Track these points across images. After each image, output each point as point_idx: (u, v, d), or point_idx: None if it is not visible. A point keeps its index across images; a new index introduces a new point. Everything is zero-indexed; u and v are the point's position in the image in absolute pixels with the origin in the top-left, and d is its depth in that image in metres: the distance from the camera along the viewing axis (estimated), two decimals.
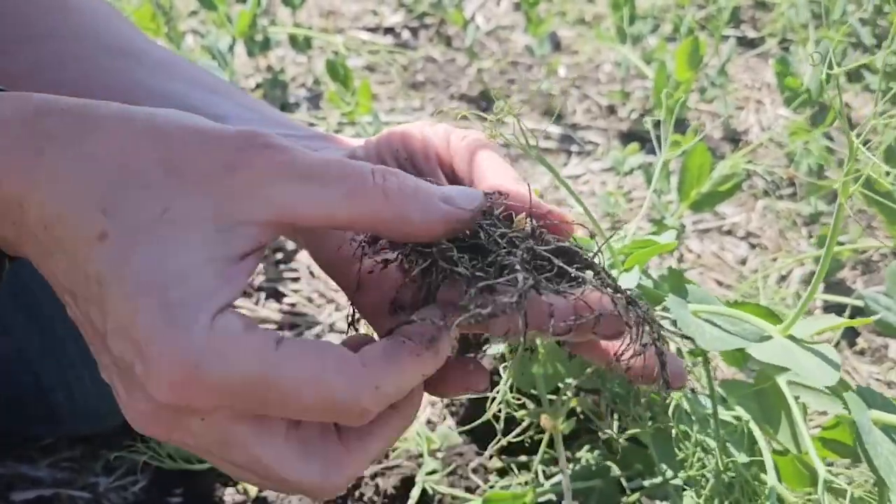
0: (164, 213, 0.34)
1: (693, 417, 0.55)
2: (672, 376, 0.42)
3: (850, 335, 0.97)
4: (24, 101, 0.36)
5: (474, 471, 0.77)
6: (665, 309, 0.51)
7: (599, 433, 0.72)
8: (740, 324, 0.51)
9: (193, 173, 0.35)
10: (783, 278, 1.04)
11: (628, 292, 0.40)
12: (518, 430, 0.68)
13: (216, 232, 0.34)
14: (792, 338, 0.49)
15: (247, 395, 0.33)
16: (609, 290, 0.39)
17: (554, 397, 0.67)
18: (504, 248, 0.39)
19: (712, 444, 0.55)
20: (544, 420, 0.63)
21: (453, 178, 0.49)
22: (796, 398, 0.56)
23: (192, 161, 0.35)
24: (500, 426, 0.65)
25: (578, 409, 0.74)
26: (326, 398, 0.34)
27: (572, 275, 0.39)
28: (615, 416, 0.70)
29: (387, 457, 0.78)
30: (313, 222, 0.36)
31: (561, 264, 0.39)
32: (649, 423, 0.60)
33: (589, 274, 0.40)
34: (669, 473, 0.60)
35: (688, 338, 0.47)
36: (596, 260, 0.41)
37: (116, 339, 0.34)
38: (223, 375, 0.33)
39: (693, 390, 0.62)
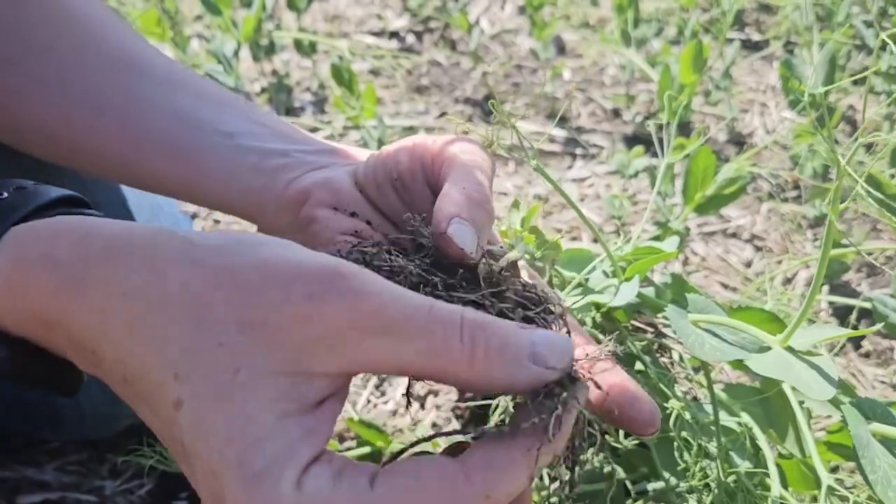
0: (235, 374, 0.32)
1: (696, 425, 0.55)
2: (643, 423, 0.40)
3: (856, 338, 0.97)
4: (84, 241, 0.35)
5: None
6: (666, 318, 0.51)
7: (605, 436, 0.72)
8: (740, 333, 0.52)
9: (267, 325, 0.33)
10: (788, 281, 1.04)
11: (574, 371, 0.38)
12: None
13: (288, 385, 0.32)
14: (790, 349, 0.49)
15: None
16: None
17: None
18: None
19: (715, 451, 0.55)
20: None
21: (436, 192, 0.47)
22: (801, 403, 0.56)
23: (267, 311, 0.33)
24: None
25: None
26: None
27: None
28: None
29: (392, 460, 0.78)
30: (391, 374, 0.34)
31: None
32: None
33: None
34: (674, 481, 0.60)
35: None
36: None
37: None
38: None
39: (695, 398, 0.62)
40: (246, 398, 0.32)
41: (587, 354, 0.41)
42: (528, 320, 0.38)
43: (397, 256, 0.41)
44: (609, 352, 0.42)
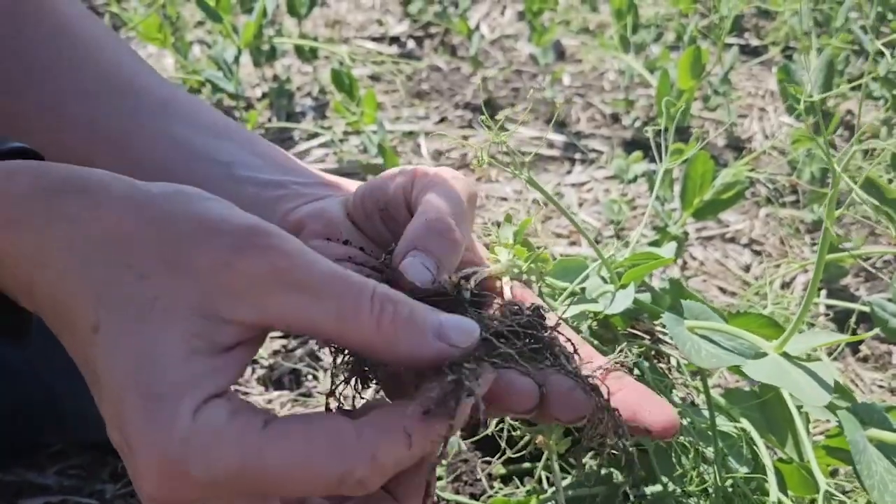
0: (153, 303, 0.34)
1: (693, 430, 0.56)
2: (662, 427, 0.41)
3: (854, 342, 0.97)
4: (42, 175, 0.37)
5: (479, 478, 0.78)
6: (663, 325, 0.51)
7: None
8: (737, 339, 0.52)
9: (189, 267, 0.35)
10: (786, 285, 1.05)
11: (591, 378, 0.39)
12: (520, 443, 0.69)
13: (201, 325, 0.34)
14: (786, 355, 0.49)
15: (234, 486, 0.33)
16: (573, 376, 0.39)
17: None
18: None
19: (712, 456, 0.55)
20: (540, 439, 0.63)
21: None
22: (799, 408, 0.56)
23: (190, 254, 0.35)
24: (503, 437, 0.65)
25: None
26: (317, 477, 0.33)
27: (541, 356, 0.39)
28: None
29: None
30: (300, 332, 0.36)
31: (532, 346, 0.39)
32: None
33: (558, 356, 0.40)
34: (672, 486, 0.61)
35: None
36: (563, 341, 0.41)
37: (112, 430, 0.35)
38: (206, 470, 0.33)
39: (693, 403, 0.62)
40: (160, 328, 0.34)
41: (599, 366, 0.42)
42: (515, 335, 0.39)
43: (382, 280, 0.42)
44: (618, 362, 0.43)
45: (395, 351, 0.36)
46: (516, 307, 0.41)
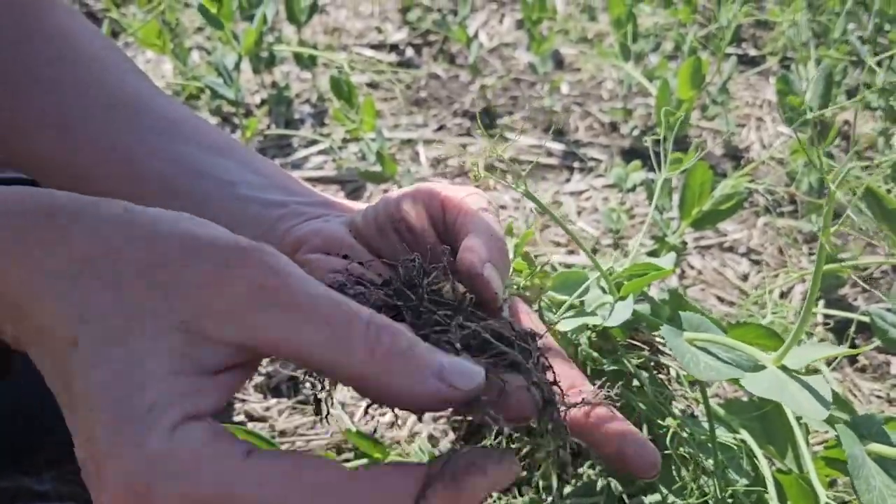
0: (136, 321, 0.33)
1: (693, 442, 0.56)
2: (643, 466, 0.41)
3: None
4: (40, 200, 0.36)
5: None
6: (663, 336, 0.52)
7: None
8: (735, 350, 0.52)
9: (177, 285, 0.33)
10: (784, 295, 1.05)
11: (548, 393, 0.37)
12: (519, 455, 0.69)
13: (186, 343, 0.33)
14: (784, 368, 0.50)
15: None
16: (534, 387, 0.37)
17: None
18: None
19: (711, 467, 0.55)
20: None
21: (445, 238, 0.48)
22: (798, 419, 0.56)
23: (178, 272, 0.34)
24: (502, 445, 0.65)
25: None
26: None
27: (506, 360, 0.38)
28: None
29: None
30: (289, 356, 0.34)
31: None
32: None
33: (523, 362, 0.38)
34: (671, 498, 0.61)
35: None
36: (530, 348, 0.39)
37: (79, 446, 0.33)
38: (176, 494, 0.30)
39: (692, 415, 0.62)
40: (141, 346, 0.32)
41: (581, 394, 0.42)
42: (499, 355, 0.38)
43: (376, 287, 0.42)
44: (605, 395, 0.43)
45: (389, 385, 0.33)
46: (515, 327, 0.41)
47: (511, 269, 0.54)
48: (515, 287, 0.53)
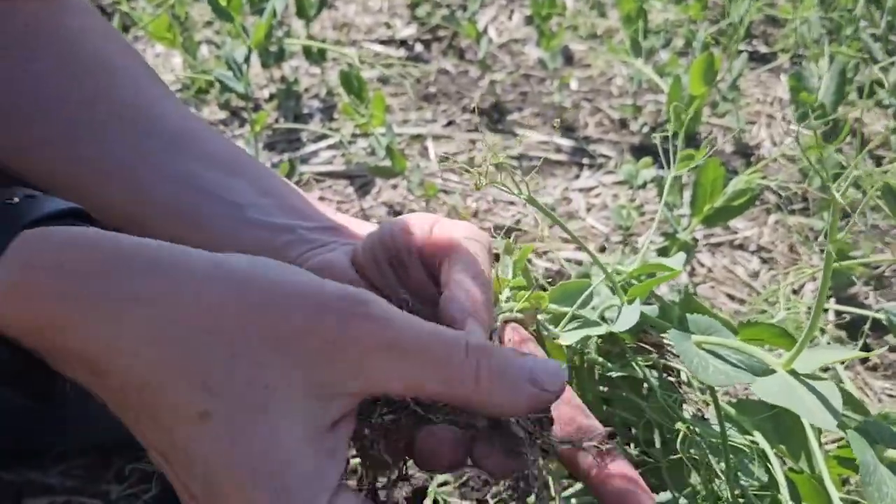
0: (270, 392, 0.34)
1: (704, 444, 0.55)
2: None
3: (863, 350, 0.97)
4: (94, 247, 0.36)
5: (485, 483, 0.77)
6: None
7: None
8: (745, 354, 0.51)
9: (298, 349, 0.35)
10: (795, 293, 1.04)
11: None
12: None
13: (316, 408, 0.35)
14: (794, 373, 0.49)
15: None
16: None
17: None
18: None
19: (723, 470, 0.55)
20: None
21: (430, 273, 0.49)
22: None
23: (297, 337, 0.35)
24: None
25: None
26: None
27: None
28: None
29: (401, 469, 0.78)
30: (401, 394, 0.37)
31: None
32: (659, 445, 0.59)
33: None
34: (683, 501, 0.60)
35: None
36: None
37: None
38: None
39: (703, 417, 0.62)
40: (279, 417, 0.34)
41: (590, 439, 0.43)
42: None
43: None
44: (608, 434, 0.44)
45: (494, 403, 0.37)
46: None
47: (505, 295, 0.54)
48: (510, 313, 0.53)
